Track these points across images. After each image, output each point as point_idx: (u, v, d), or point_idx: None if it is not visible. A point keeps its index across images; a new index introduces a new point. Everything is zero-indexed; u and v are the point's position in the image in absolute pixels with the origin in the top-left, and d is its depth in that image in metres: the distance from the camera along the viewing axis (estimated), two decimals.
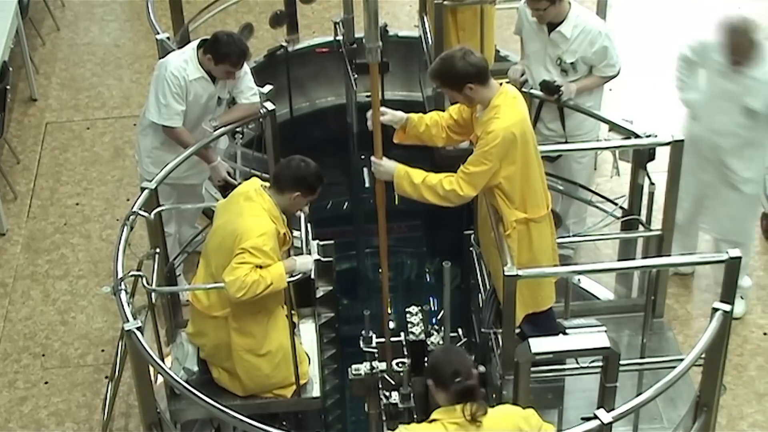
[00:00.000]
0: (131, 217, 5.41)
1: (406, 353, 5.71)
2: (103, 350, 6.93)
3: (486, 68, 5.06)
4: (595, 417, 4.47)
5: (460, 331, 5.81)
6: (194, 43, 6.39)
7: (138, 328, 4.91)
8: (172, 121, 6.34)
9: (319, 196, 5.37)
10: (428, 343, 5.70)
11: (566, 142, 6.70)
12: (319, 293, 5.97)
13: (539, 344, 4.72)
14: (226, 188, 6.57)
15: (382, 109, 5.13)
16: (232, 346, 5.32)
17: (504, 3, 7.36)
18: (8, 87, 8.28)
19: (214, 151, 6.58)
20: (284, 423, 5.87)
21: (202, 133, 6.41)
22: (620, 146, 6.12)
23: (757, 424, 6.27)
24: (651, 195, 5.89)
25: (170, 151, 6.39)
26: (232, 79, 6.35)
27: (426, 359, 5.66)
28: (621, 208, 6.11)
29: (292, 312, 5.33)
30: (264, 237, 5.06)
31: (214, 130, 6.31)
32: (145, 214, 5.47)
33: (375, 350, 5.70)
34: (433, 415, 4.23)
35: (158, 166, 6.23)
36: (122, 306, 5.02)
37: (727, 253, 4.89)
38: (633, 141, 5.85)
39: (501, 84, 5.14)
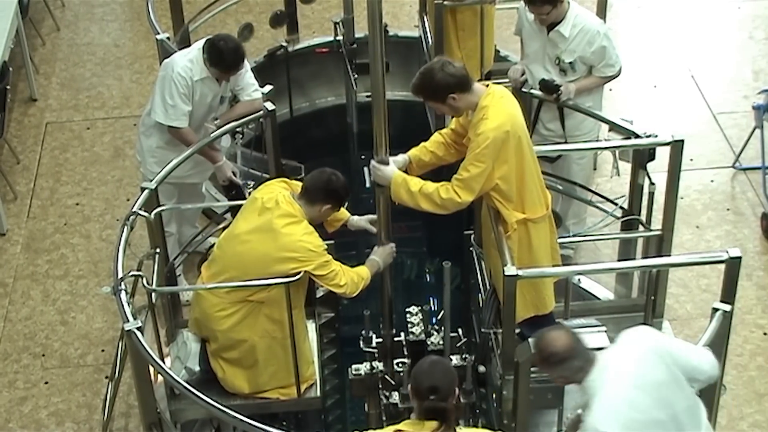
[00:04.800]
0: (131, 217, 5.41)
1: (406, 353, 5.71)
2: (103, 350, 6.93)
3: (466, 76, 5.07)
4: None
5: (460, 331, 5.81)
6: (199, 43, 6.40)
7: (138, 328, 4.91)
8: (179, 121, 6.35)
9: None
10: (428, 343, 5.70)
11: (566, 142, 6.71)
12: (319, 293, 5.97)
13: None
14: (230, 188, 6.57)
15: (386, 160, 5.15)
16: (257, 332, 5.31)
17: (504, 3, 7.36)
18: (8, 87, 8.28)
19: (219, 150, 6.59)
20: (284, 423, 5.87)
21: (206, 132, 6.42)
22: (620, 146, 6.12)
23: (757, 424, 6.27)
24: (651, 195, 5.89)
25: (174, 150, 6.39)
26: (226, 81, 6.38)
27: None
28: (621, 208, 6.11)
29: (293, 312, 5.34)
30: (313, 234, 5.22)
31: (217, 129, 6.32)
32: (145, 214, 5.47)
33: (375, 350, 5.70)
34: (401, 426, 4.17)
35: (162, 165, 6.24)
36: (122, 306, 5.03)
37: (727, 252, 4.89)
38: (633, 141, 5.85)
39: (487, 85, 5.14)
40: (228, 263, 5.29)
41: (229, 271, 5.28)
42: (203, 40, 6.40)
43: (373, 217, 5.51)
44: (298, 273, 5.15)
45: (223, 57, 6.24)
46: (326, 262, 5.23)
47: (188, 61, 6.34)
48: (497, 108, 5.02)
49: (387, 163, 5.13)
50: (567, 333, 4.29)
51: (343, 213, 5.64)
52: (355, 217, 5.68)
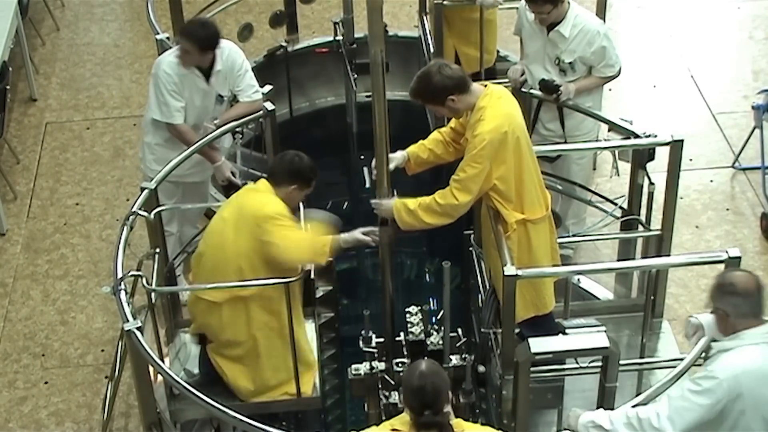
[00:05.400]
0: (131, 217, 5.42)
1: (406, 353, 5.70)
2: (103, 350, 6.93)
3: (464, 77, 5.08)
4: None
5: (460, 331, 5.81)
6: None
7: (138, 328, 4.92)
8: (173, 117, 6.37)
9: (318, 195, 5.41)
10: (428, 343, 5.70)
11: (565, 142, 6.71)
12: (319, 293, 5.97)
13: (539, 344, 4.72)
14: (229, 188, 6.57)
15: None
16: (254, 324, 5.33)
17: (504, 3, 7.36)
18: (8, 87, 8.28)
19: (218, 150, 6.59)
20: (284, 423, 5.87)
21: (205, 131, 6.42)
22: (620, 146, 6.12)
23: None
24: (651, 195, 5.89)
25: (173, 148, 6.41)
26: (190, 64, 6.30)
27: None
28: (621, 208, 6.11)
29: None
30: (279, 206, 5.23)
31: (216, 129, 6.32)
32: (145, 214, 5.47)
33: (375, 350, 5.70)
34: (399, 427, 4.15)
35: (161, 163, 6.27)
36: (122, 306, 5.03)
37: (726, 252, 4.90)
38: (633, 141, 5.85)
39: (486, 85, 5.14)
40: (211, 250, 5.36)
41: (210, 250, 5.34)
42: None
43: (366, 228, 5.46)
44: (297, 273, 5.17)
45: (193, 31, 6.23)
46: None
47: (174, 57, 6.37)
48: (494, 109, 5.02)
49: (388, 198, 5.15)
50: (756, 279, 4.34)
51: (326, 238, 5.54)
52: (344, 235, 5.51)
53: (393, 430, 4.15)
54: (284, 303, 5.29)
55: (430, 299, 7.12)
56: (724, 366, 4.25)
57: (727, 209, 7.76)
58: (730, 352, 4.28)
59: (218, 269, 5.33)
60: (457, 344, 5.73)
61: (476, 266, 5.94)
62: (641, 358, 5.67)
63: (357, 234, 5.42)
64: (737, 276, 4.32)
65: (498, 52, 8.12)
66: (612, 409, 4.69)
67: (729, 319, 4.29)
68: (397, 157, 5.28)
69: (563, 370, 5.24)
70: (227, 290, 5.28)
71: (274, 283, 5.16)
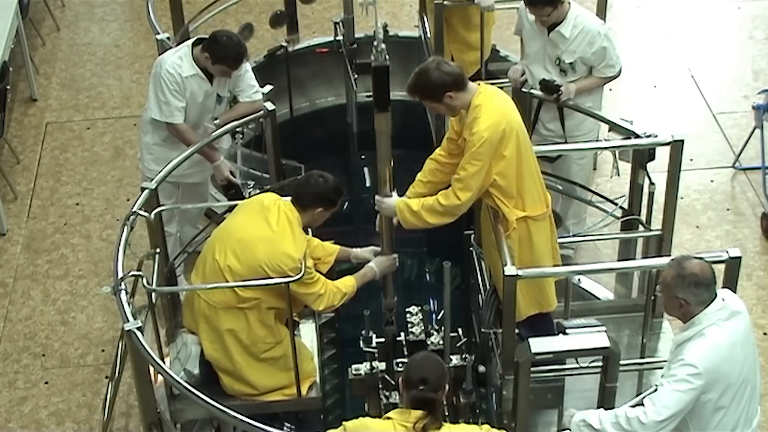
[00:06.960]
0: (131, 217, 5.41)
1: (406, 353, 5.71)
2: (103, 350, 6.93)
3: (462, 74, 5.09)
4: None
5: (460, 331, 5.81)
6: (190, 41, 6.42)
7: (138, 328, 4.92)
8: (173, 117, 6.37)
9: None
10: (428, 343, 5.71)
11: (566, 142, 6.71)
12: None
13: (539, 344, 4.73)
14: (228, 188, 6.58)
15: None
16: (251, 337, 5.33)
17: (504, 3, 7.37)
18: (8, 87, 8.28)
19: (217, 150, 6.59)
20: (285, 423, 5.87)
21: (205, 131, 6.42)
22: (620, 146, 6.12)
23: (758, 424, 6.26)
24: (651, 195, 5.89)
25: (172, 148, 6.41)
26: (228, 78, 6.37)
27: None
28: (621, 208, 6.11)
29: (293, 312, 5.35)
30: (295, 258, 5.18)
31: (216, 129, 6.32)
32: (145, 214, 5.47)
33: (375, 350, 5.70)
34: (389, 414, 4.26)
35: (159, 163, 6.26)
36: (122, 306, 5.03)
37: (727, 252, 4.90)
38: (633, 141, 5.85)
39: (479, 84, 5.16)
40: (226, 258, 5.29)
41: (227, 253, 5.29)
42: (194, 38, 6.43)
43: (377, 248, 5.57)
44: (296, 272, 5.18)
45: (229, 51, 6.21)
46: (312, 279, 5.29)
47: (177, 57, 6.36)
48: (490, 106, 5.03)
49: (389, 196, 5.17)
50: (710, 266, 4.49)
51: (333, 248, 5.67)
52: (357, 250, 5.69)
53: (386, 418, 4.20)
54: (274, 318, 5.35)
55: (431, 299, 7.12)
56: (697, 352, 4.39)
57: (728, 209, 7.76)
58: (697, 338, 4.42)
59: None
60: (458, 344, 5.74)
61: (476, 266, 5.95)
62: (641, 358, 5.67)
63: (368, 254, 5.59)
64: (696, 265, 4.45)
65: (498, 52, 8.13)
66: (612, 409, 4.70)
67: (689, 306, 4.44)
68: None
69: (563, 370, 5.24)
70: (225, 301, 5.28)
71: (275, 283, 5.16)
